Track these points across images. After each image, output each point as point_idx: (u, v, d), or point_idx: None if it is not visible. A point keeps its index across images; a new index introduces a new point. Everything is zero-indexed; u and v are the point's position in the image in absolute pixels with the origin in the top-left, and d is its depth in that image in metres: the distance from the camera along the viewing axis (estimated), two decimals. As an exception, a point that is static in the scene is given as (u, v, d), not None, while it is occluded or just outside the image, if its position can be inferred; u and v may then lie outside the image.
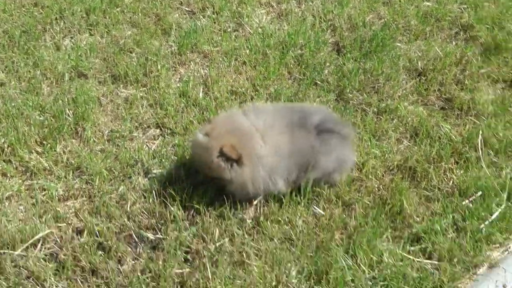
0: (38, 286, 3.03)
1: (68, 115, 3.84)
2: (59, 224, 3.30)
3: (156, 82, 4.10)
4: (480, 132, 3.76)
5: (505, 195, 3.42)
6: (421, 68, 4.25)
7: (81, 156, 3.61)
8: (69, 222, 3.32)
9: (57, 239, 3.23)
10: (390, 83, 4.12)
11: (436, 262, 3.14)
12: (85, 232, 3.23)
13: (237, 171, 3.20)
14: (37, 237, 3.21)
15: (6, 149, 3.64)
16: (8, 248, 3.16)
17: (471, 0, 4.87)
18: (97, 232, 3.23)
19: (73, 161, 3.60)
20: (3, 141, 3.67)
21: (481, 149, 3.69)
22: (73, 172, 3.55)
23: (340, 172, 3.45)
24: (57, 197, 3.42)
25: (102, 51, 4.33)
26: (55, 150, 3.66)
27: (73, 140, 3.74)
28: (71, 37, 4.47)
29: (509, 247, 3.27)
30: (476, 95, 4.04)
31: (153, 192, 3.40)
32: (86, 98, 3.93)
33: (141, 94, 4.02)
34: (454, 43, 4.51)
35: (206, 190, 3.36)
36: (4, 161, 3.60)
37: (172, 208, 3.28)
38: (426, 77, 4.18)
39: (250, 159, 3.20)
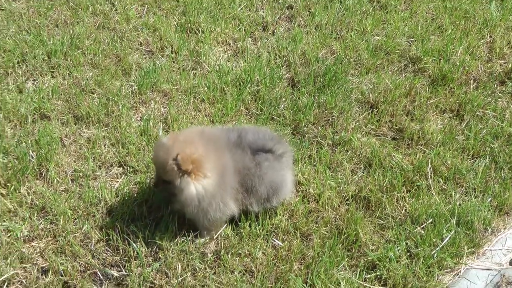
0: (5, 327, 3.02)
1: (32, 157, 3.84)
2: (24, 265, 3.30)
3: (117, 121, 4.12)
4: (430, 160, 3.83)
5: (454, 221, 3.48)
6: (372, 100, 4.32)
7: (45, 196, 3.61)
8: (34, 262, 3.31)
9: (23, 280, 3.23)
10: (343, 116, 4.18)
11: (391, 289, 3.20)
12: (50, 271, 3.24)
13: (187, 182, 3.17)
14: (2, 278, 3.19)
15: (-30, 192, 3.63)
16: (-26, 291, 3.15)
17: (418, 34, 4.98)
18: (62, 271, 3.23)
19: (37, 202, 3.59)
20: (-33, 184, 3.66)
21: (431, 177, 3.76)
22: (37, 213, 3.55)
23: (277, 196, 3.43)
24: (22, 238, 3.42)
25: (64, 93, 4.34)
26: (19, 192, 3.65)
27: (37, 181, 3.74)
28: (34, 80, 4.47)
29: (460, 271, 3.33)
30: (426, 125, 4.12)
31: (117, 229, 3.41)
32: (49, 139, 3.93)
33: (103, 134, 4.03)
34: (403, 75, 4.60)
35: (167, 226, 3.38)
36: (-31, 204, 3.59)
37: (135, 245, 3.29)
38: (377, 108, 4.26)
39: (209, 174, 3.20)
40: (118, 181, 3.75)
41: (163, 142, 3.22)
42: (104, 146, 3.96)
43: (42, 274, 3.25)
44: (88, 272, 3.26)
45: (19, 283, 3.21)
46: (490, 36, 5.00)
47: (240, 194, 3.32)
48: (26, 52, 4.64)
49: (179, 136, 3.23)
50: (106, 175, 3.79)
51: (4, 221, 3.49)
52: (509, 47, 4.88)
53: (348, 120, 4.15)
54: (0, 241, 3.39)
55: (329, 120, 4.18)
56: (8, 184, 3.69)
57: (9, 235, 3.43)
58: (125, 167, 3.84)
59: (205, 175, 3.17)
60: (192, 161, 3.11)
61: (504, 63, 4.73)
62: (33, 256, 3.34)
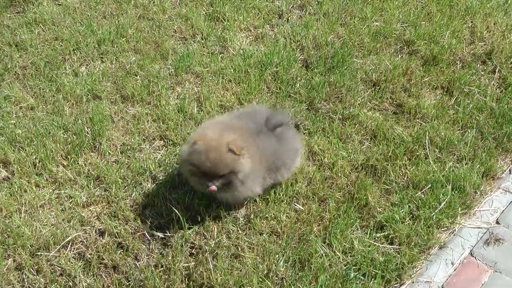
0: (70, 282, 2.88)
1: (87, 132, 3.64)
2: (84, 227, 3.14)
3: (157, 100, 3.89)
4: (427, 132, 3.60)
5: (450, 186, 3.27)
6: (375, 79, 4.06)
7: (99, 167, 3.42)
8: (92, 225, 3.15)
9: (84, 241, 3.07)
10: (351, 93, 3.93)
11: (397, 247, 3.00)
12: (106, 233, 3.07)
13: (245, 161, 2.85)
14: (67, 239, 3.04)
15: (37, 164, 3.46)
16: (43, 249, 3.01)
17: (411, 20, 4.67)
18: (116, 233, 3.05)
19: (93, 172, 3.41)
20: (34, 157, 3.47)
21: (429, 147, 3.53)
22: (93, 182, 3.37)
23: (297, 159, 3.24)
24: (81, 204, 3.25)
25: (112, 76, 4.11)
26: (78, 163, 3.47)
27: (92, 154, 3.55)
28: (87, 65, 4.23)
29: (455, 230, 3.14)
30: (421, 100, 3.87)
31: (160, 196, 3.23)
32: (101, 116, 3.73)
33: (146, 111, 3.82)
34: (400, 56, 4.32)
35: (204, 194, 3.17)
36: (36, 174, 3.41)
37: (177, 211, 3.09)
38: (379, 86, 4.00)
39: (250, 152, 2.89)
40: (160, 153, 3.54)
41: (200, 147, 2.80)
42: (147, 122, 3.75)
43: (99, 236, 3.08)
44: (138, 233, 3.09)
45: (81, 243, 3.05)
46: (472, 22, 4.69)
47: (267, 179, 3.08)
48: (80, 41, 4.40)
49: (207, 133, 2.86)
50: (149, 148, 3.59)
51: (66, 188, 3.31)
52: (488, 31, 4.56)
53: (355, 97, 3.90)
54: (63, 206, 3.23)
55: (338, 97, 3.93)
56: (68, 157, 3.51)
57: (70, 201, 3.27)
58: (165, 140, 3.63)
59: (245, 152, 2.85)
60: (237, 144, 2.80)
61: (484, 45, 4.42)
62: (91, 219, 3.17)
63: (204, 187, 2.86)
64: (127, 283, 2.83)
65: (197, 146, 2.80)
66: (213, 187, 2.83)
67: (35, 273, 2.90)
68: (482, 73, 4.17)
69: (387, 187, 3.32)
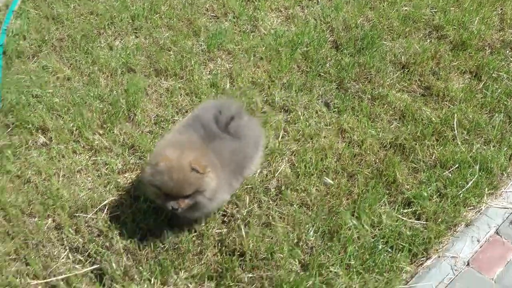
0: (107, 242, 2.97)
1: (122, 103, 3.73)
2: (120, 192, 3.22)
3: (190, 75, 3.97)
4: (455, 115, 3.65)
5: (477, 167, 3.33)
6: (404, 61, 4.11)
7: (134, 136, 3.52)
8: (128, 190, 3.23)
9: (119, 205, 3.16)
10: (380, 74, 3.99)
11: (424, 222, 3.08)
12: (141, 199, 3.14)
13: (210, 178, 2.72)
14: (103, 203, 3.14)
15: (74, 132, 3.56)
16: (81, 211, 3.11)
17: (440, 5, 4.70)
18: (150, 200, 3.14)
19: (128, 141, 3.50)
20: (72, 125, 3.57)
21: (456, 129, 3.58)
22: (128, 150, 3.46)
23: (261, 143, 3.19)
24: (117, 171, 3.34)
25: (146, 50, 4.19)
26: (113, 132, 3.56)
27: (127, 124, 3.64)
28: (121, 39, 4.32)
29: (481, 209, 3.20)
30: (449, 84, 3.92)
31: (193, 168, 3.30)
32: (135, 89, 3.81)
33: (179, 85, 3.90)
34: (429, 40, 4.37)
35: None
36: (74, 141, 3.51)
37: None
38: (408, 69, 4.05)
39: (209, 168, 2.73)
40: (193, 126, 3.62)
41: (162, 168, 2.65)
42: (180, 95, 3.83)
43: (134, 201, 3.17)
44: (172, 200, 3.17)
45: (116, 207, 3.14)
46: (501, 9, 4.71)
47: (234, 182, 3.02)
48: (114, 15, 4.48)
49: (167, 154, 2.69)
50: (182, 120, 3.67)
51: (102, 156, 3.41)
52: (517, 18, 4.60)
53: (384, 78, 3.96)
54: (100, 172, 3.33)
55: (368, 77, 3.99)
56: (104, 126, 3.60)
57: (106, 167, 3.37)
58: (198, 113, 3.72)
59: (209, 170, 2.71)
60: (199, 163, 2.66)
61: (514, 32, 4.47)
62: (126, 185, 3.26)
63: (169, 208, 2.72)
64: (162, 246, 2.92)
65: (159, 167, 2.66)
66: (177, 208, 2.71)
67: (73, 233, 3.00)
68: (511, 59, 4.20)
69: (414, 165, 3.38)
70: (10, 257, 2.92)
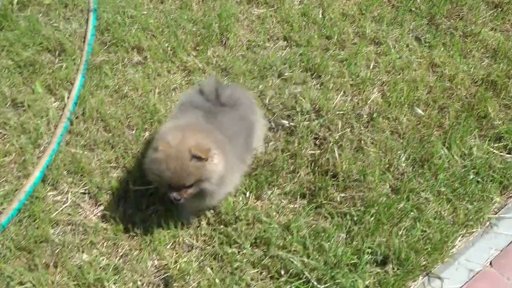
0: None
1: (215, 27, 3.80)
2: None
3: (281, 3, 4.00)
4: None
5: None
6: (497, 1, 4.03)
7: (227, 59, 3.60)
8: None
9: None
10: (472, 12, 3.94)
11: (516, 157, 3.09)
12: (238, 118, 3.24)
13: (214, 163, 2.44)
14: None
15: (169, 52, 3.65)
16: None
17: None
18: (245, 117, 3.23)
19: (220, 63, 3.59)
20: (167, 45, 3.67)
21: (552, 68, 3.54)
22: (221, 72, 3.54)
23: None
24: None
25: (237, -23, 4.23)
26: (206, 54, 3.65)
27: (220, 47, 3.72)
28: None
29: None
30: (545, 25, 3.85)
31: (286, 89, 3.38)
32: (227, 14, 3.87)
33: (270, 13, 3.94)
34: (523, -19, 4.26)
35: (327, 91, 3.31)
36: (168, 61, 3.61)
37: (301, 103, 3.24)
38: (501, 8, 3.99)
39: (216, 151, 2.46)
40: (284, 52, 3.68)
41: (160, 156, 2.39)
42: (271, 23, 3.88)
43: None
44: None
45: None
46: None
47: (246, 155, 2.80)
48: None
49: (168, 140, 2.41)
50: (273, 46, 3.73)
51: (196, 76, 3.51)
52: None
53: (476, 16, 3.90)
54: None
55: (459, 14, 3.94)
56: (197, 48, 3.69)
57: (201, 86, 3.46)
58: (289, 41, 3.76)
59: (216, 153, 2.45)
60: (201, 147, 2.39)
61: None
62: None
63: (172, 199, 2.49)
64: (257, 163, 3.02)
65: (158, 154, 2.41)
66: (179, 198, 2.46)
67: (172, 145, 3.13)
68: None
69: (507, 102, 3.37)
70: (111, 164, 3.07)
